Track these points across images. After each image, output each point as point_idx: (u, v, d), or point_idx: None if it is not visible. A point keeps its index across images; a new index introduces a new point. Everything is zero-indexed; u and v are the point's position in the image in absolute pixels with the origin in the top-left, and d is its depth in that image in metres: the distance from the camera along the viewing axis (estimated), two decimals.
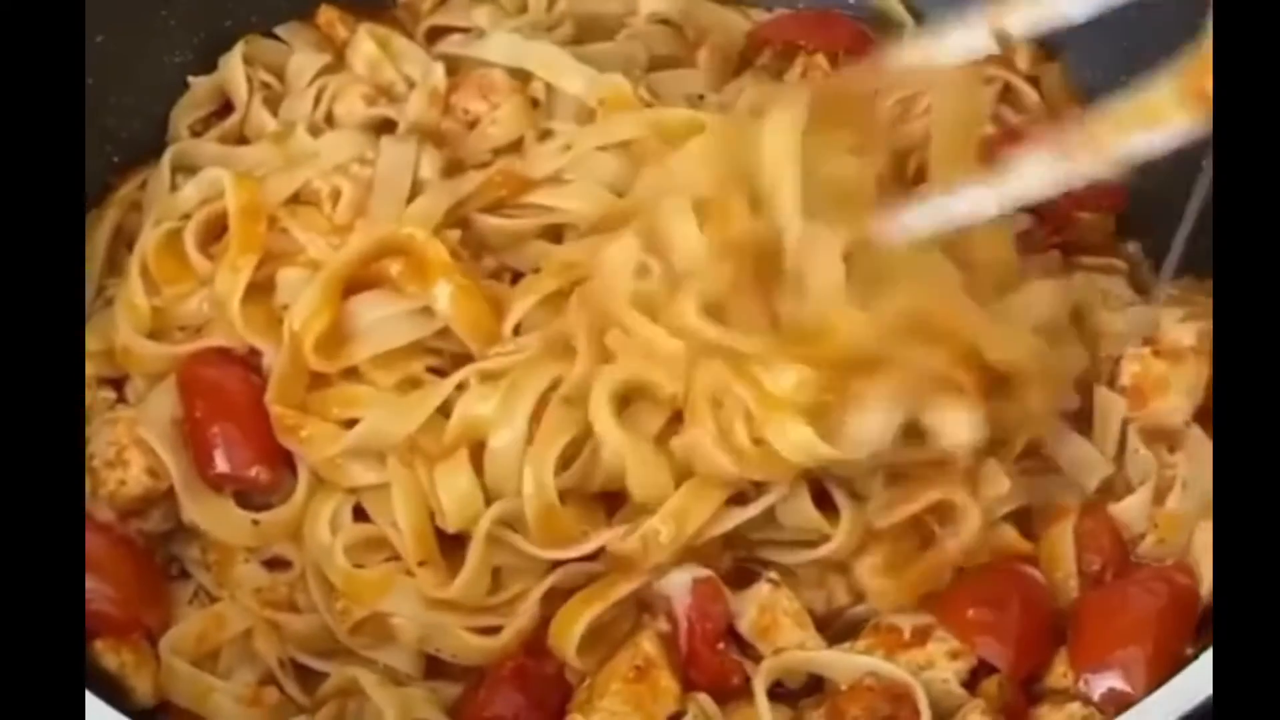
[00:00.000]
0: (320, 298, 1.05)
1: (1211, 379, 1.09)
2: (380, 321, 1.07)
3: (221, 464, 1.05)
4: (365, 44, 1.24)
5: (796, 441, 0.96)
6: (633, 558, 1.00)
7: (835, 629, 1.04)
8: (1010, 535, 1.05)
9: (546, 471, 1.00)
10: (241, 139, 1.24)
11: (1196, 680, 0.90)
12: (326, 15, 1.30)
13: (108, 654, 1.01)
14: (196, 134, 1.25)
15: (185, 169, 1.21)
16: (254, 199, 1.11)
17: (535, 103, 1.20)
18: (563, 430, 1.01)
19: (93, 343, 1.10)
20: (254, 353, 1.09)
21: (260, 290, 1.09)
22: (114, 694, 0.98)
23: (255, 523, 1.06)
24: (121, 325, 1.10)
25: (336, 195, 1.13)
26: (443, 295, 1.05)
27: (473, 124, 1.19)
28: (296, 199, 1.14)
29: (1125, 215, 1.24)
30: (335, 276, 1.06)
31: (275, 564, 1.07)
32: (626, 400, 1.02)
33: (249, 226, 1.10)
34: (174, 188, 1.19)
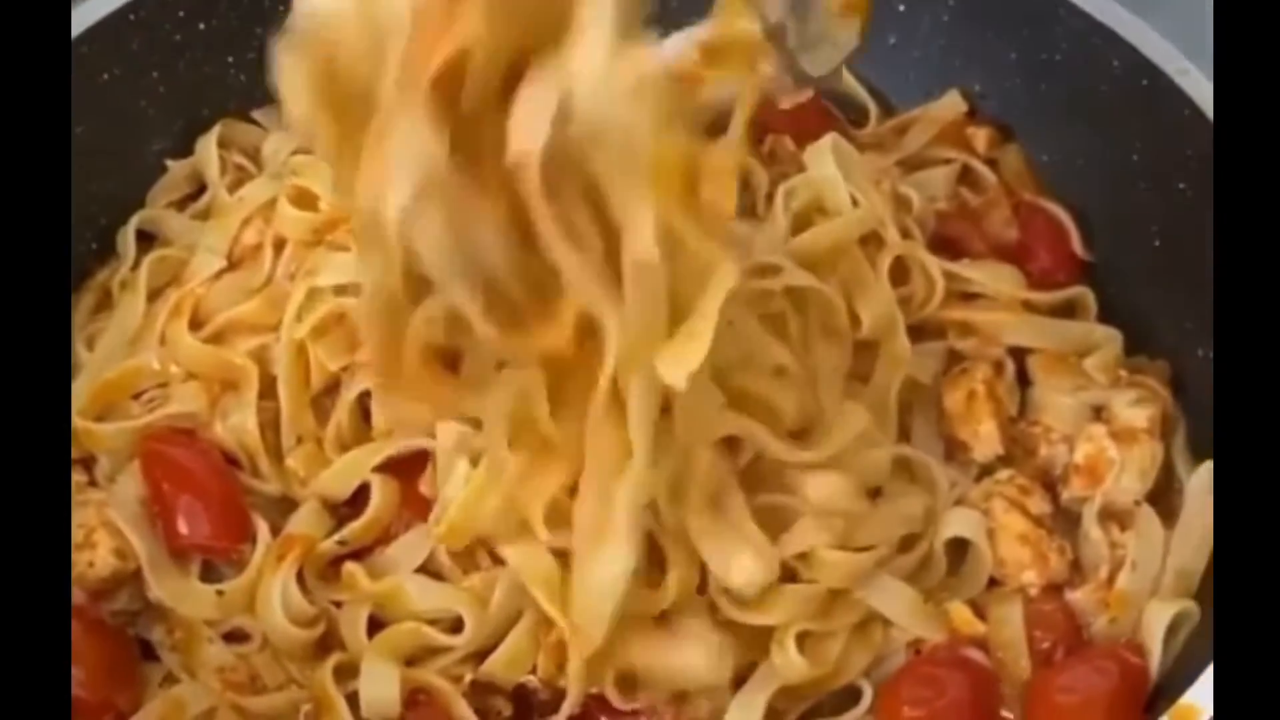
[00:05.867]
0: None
1: (1163, 462, 1.11)
2: None
3: (189, 533, 1.07)
4: None
5: None
6: None
7: None
8: (964, 615, 1.06)
9: None
10: (206, 219, 1.26)
11: None
12: None
13: None
14: None
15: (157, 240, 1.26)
16: None
17: None
18: None
19: None
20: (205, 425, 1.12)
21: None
22: None
23: (220, 594, 1.07)
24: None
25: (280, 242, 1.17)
26: None
27: None
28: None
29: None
30: None
31: (235, 637, 1.08)
32: None
33: None
34: (136, 263, 1.22)
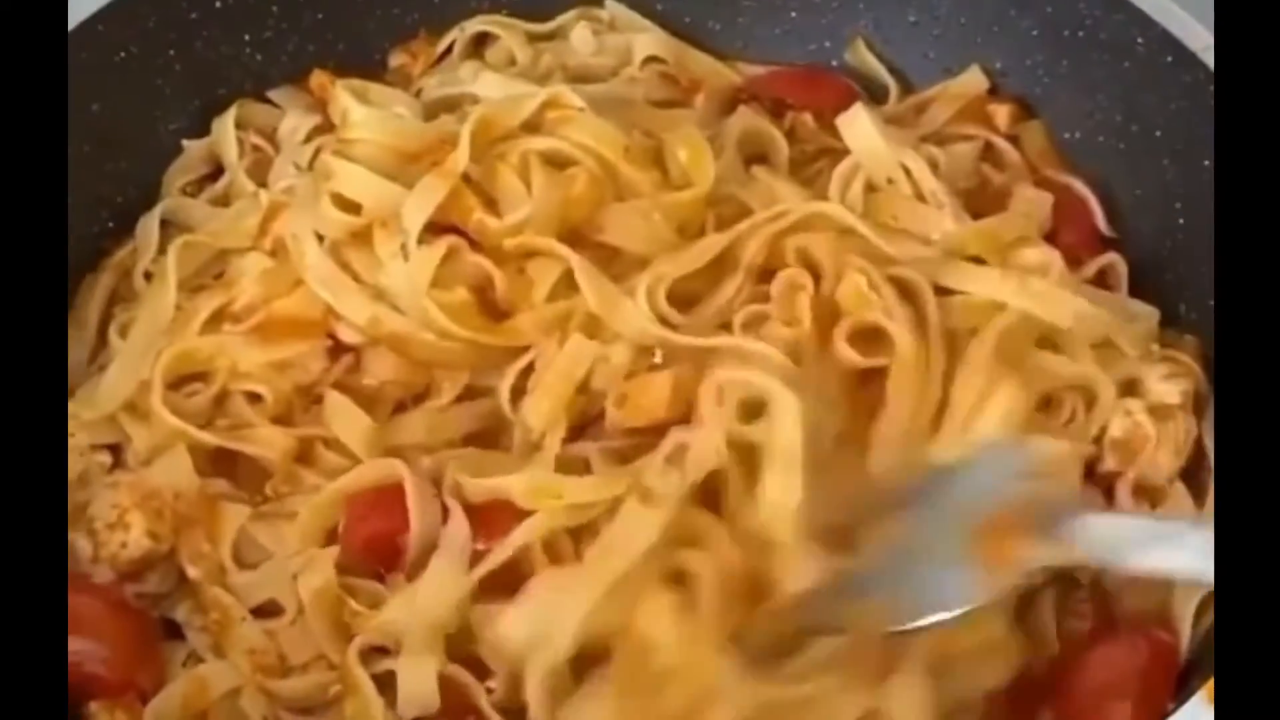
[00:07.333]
0: None
1: (1197, 438, 1.11)
2: None
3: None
4: (343, 98, 1.22)
5: None
6: None
7: None
8: None
9: None
10: (226, 202, 1.25)
11: None
12: (318, 78, 1.31)
13: (101, 716, 1.02)
14: (189, 196, 1.27)
15: (177, 227, 1.24)
16: None
17: None
18: None
19: (86, 412, 1.11)
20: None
21: None
22: None
23: None
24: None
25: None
26: None
27: None
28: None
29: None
30: None
31: (267, 612, 1.07)
32: None
33: None
34: (162, 247, 1.21)
